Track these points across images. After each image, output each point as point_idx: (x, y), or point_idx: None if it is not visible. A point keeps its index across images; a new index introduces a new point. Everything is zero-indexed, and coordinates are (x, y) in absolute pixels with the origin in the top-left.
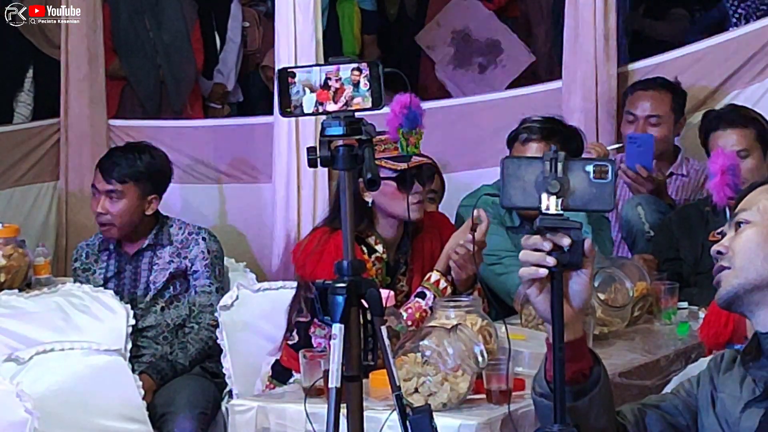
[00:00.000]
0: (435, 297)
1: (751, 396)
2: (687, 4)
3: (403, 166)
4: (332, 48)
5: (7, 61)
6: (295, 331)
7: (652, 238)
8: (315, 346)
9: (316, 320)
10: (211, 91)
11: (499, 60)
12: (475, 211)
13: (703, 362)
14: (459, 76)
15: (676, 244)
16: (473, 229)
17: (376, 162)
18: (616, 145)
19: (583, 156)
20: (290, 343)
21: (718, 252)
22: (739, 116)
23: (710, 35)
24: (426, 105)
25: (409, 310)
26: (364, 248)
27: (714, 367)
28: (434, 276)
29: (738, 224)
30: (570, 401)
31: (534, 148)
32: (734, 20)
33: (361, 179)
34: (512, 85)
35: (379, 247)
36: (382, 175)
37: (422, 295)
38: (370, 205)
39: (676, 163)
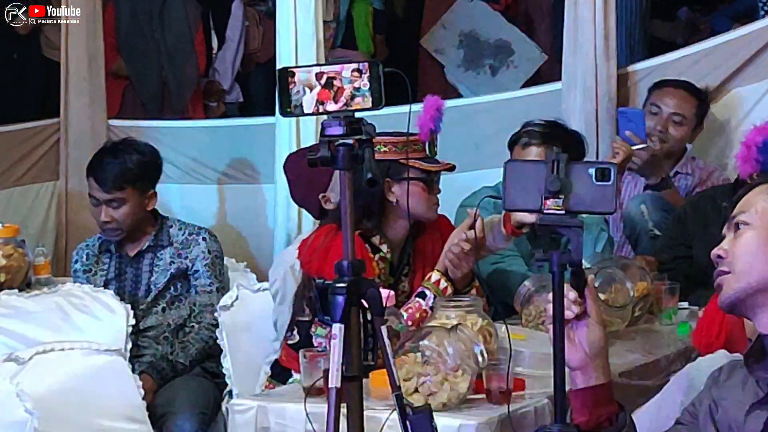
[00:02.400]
0: (435, 297)
1: (755, 399)
2: (691, 4)
3: (433, 167)
4: (348, 48)
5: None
6: (296, 330)
7: (664, 233)
8: (316, 345)
9: (317, 319)
10: (204, 88)
11: (511, 61)
12: (470, 210)
13: (701, 362)
14: (470, 79)
15: (690, 239)
16: (472, 227)
17: (410, 163)
18: (641, 146)
19: (611, 155)
20: (291, 342)
21: (718, 256)
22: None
23: (740, 24)
24: None
25: (410, 310)
26: (369, 247)
27: (713, 382)
28: (435, 276)
29: (737, 226)
30: None
31: (534, 152)
32: (763, 13)
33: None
34: (525, 86)
35: (384, 247)
36: (412, 175)
37: (423, 295)
38: (394, 203)
39: (681, 163)
